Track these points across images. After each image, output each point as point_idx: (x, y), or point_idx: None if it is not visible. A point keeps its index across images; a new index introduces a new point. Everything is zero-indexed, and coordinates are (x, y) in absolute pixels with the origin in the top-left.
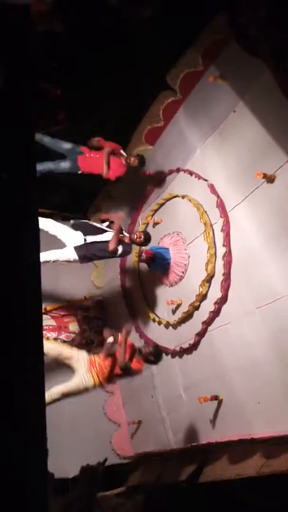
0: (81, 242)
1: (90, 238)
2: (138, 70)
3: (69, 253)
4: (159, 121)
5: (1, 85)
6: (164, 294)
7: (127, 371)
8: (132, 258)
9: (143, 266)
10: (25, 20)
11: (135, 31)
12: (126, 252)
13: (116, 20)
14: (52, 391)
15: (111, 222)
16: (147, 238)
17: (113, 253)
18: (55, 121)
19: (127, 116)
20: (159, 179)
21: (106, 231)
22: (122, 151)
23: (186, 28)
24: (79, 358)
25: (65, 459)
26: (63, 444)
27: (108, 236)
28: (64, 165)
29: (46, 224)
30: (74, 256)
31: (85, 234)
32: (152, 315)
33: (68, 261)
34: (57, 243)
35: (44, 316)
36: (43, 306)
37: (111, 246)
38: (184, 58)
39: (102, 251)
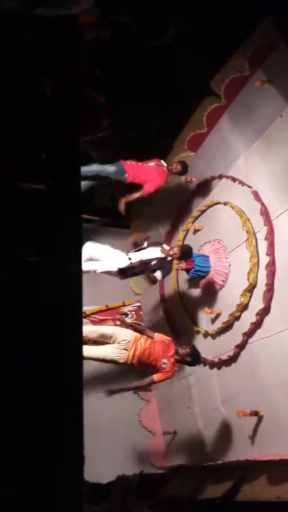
0: (126, 260)
1: (133, 254)
2: (182, 76)
3: (113, 267)
4: (202, 128)
5: (48, 92)
6: (204, 303)
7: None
8: (172, 266)
9: (182, 273)
10: (72, 28)
11: (180, 36)
12: (165, 275)
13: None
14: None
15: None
16: (184, 252)
17: (154, 281)
18: (99, 128)
19: (169, 122)
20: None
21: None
22: (162, 162)
23: (233, 33)
24: (124, 334)
25: (99, 463)
26: (98, 449)
27: (151, 252)
28: (110, 168)
29: (89, 248)
30: (116, 268)
31: (127, 253)
32: (190, 324)
33: (109, 273)
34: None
35: (83, 320)
36: (83, 310)
37: (149, 281)
38: (229, 63)
39: (144, 270)
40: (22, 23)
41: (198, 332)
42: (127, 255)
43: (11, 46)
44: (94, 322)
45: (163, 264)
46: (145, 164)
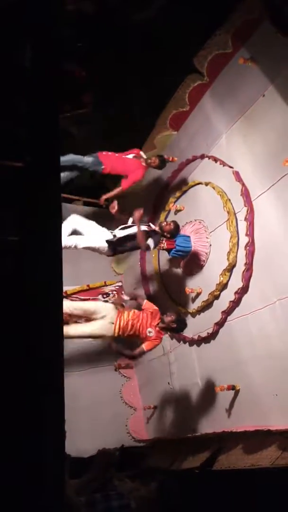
0: (110, 235)
1: (118, 232)
2: (165, 53)
3: (99, 242)
4: (185, 106)
5: (27, 65)
6: (184, 282)
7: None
8: (159, 237)
9: (164, 253)
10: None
11: (163, 12)
12: (156, 244)
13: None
14: (69, 328)
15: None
16: (177, 227)
17: (147, 248)
18: (80, 104)
19: (152, 100)
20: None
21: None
22: (141, 153)
23: (216, 8)
24: (107, 308)
25: (81, 439)
26: (80, 424)
27: (135, 229)
28: (87, 159)
29: (73, 221)
30: (104, 245)
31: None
32: (171, 303)
33: (93, 249)
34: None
35: (64, 300)
36: (64, 289)
37: (142, 247)
38: (213, 40)
39: (134, 246)
40: None
41: (178, 310)
42: (112, 232)
43: None
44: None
45: (151, 235)
46: (123, 156)
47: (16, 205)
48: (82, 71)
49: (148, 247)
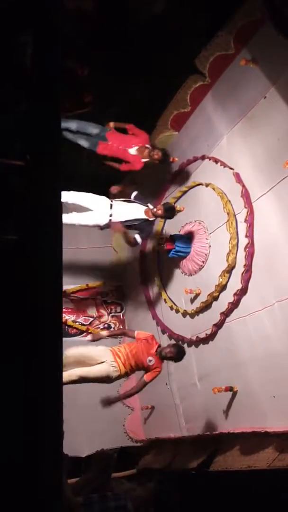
0: (108, 207)
1: (116, 204)
2: (167, 53)
3: (93, 219)
4: (186, 106)
5: (27, 63)
6: (183, 283)
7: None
8: (152, 246)
9: (163, 254)
10: None
11: (165, 12)
12: (145, 236)
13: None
14: (72, 372)
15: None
16: (167, 209)
17: (134, 244)
18: (81, 103)
19: (153, 100)
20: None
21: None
22: (147, 145)
23: (218, 9)
24: (102, 351)
25: (78, 438)
26: (77, 423)
27: (135, 211)
28: (83, 142)
29: (69, 196)
30: (99, 222)
31: (110, 199)
32: (170, 303)
33: (87, 226)
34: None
35: (64, 299)
36: (63, 288)
37: (130, 245)
38: (215, 41)
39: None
40: None
41: (177, 311)
42: (111, 204)
43: None
44: (74, 301)
45: (144, 226)
46: (125, 148)
47: (15, 204)
48: (84, 70)
49: (135, 243)
